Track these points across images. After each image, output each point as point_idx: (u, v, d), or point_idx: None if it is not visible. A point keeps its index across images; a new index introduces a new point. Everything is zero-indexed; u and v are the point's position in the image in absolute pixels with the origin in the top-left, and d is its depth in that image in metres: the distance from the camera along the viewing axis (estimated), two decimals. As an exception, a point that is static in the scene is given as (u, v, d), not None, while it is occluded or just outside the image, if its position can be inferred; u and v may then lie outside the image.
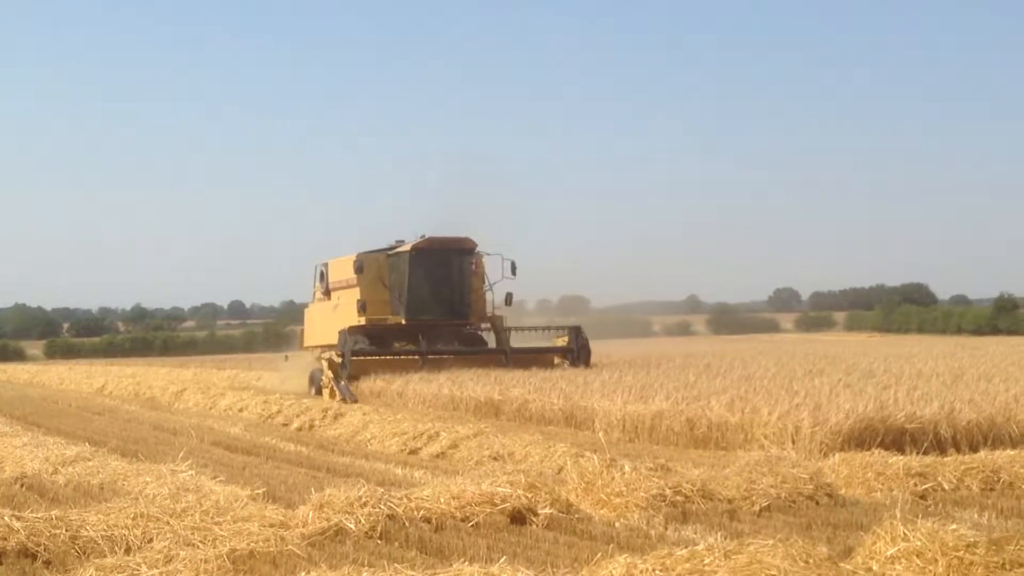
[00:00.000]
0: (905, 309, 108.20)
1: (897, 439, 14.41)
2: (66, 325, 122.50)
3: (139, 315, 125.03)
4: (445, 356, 27.52)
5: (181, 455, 14.04)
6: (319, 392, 26.90)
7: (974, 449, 14.06)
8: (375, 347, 27.93)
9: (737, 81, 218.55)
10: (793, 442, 14.66)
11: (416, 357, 27.06)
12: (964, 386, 18.93)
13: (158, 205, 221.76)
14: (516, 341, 29.05)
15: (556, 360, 28.74)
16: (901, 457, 12.39)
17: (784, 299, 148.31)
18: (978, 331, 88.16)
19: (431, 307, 28.93)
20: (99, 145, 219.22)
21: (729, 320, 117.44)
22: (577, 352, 28.70)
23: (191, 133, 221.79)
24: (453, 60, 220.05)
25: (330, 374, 26.27)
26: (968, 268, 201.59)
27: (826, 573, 7.34)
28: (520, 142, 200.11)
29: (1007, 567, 7.44)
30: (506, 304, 29.68)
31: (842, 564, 7.67)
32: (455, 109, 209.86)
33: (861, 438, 14.29)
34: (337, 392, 25.50)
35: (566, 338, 29.31)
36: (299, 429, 21.27)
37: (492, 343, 29.41)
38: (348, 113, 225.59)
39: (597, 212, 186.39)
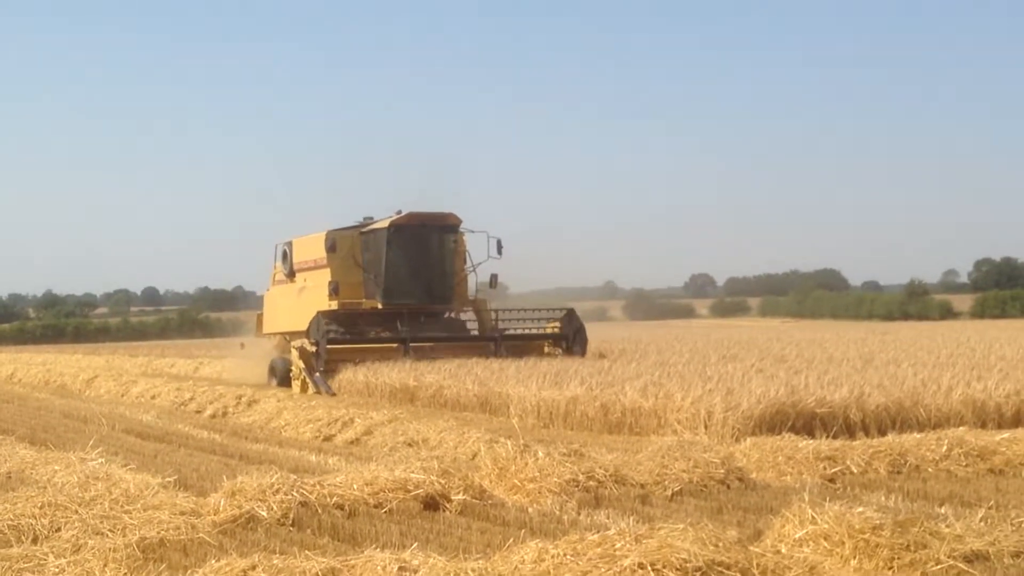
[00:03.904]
0: (818, 295, 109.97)
1: (807, 423, 14.57)
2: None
3: (50, 301, 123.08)
4: (430, 344, 25.30)
5: (91, 443, 13.80)
6: (283, 383, 25.00)
7: (882, 433, 14.24)
8: (348, 334, 25.45)
9: (649, 69, 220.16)
10: (706, 427, 14.77)
11: (398, 345, 24.77)
12: (874, 371, 19.25)
13: (67, 189, 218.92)
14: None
15: (547, 349, 26.55)
16: (811, 441, 12.54)
17: (700, 285, 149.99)
18: (889, 316, 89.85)
19: (410, 290, 26.41)
20: (4, 130, 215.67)
21: (645, 306, 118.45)
22: (572, 339, 26.48)
23: (97, 116, 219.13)
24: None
25: (301, 364, 24.07)
26: (880, 255, 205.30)
27: (735, 556, 7.42)
28: (434, 121, 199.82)
29: (912, 548, 7.59)
30: (491, 287, 27.59)
31: (751, 547, 7.79)
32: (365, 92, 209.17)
33: (772, 423, 14.42)
34: (311, 384, 23.63)
35: (558, 324, 26.97)
36: (212, 416, 21.07)
37: (475, 329, 27.29)
38: (266, 93, 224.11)
39: (514, 197, 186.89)
